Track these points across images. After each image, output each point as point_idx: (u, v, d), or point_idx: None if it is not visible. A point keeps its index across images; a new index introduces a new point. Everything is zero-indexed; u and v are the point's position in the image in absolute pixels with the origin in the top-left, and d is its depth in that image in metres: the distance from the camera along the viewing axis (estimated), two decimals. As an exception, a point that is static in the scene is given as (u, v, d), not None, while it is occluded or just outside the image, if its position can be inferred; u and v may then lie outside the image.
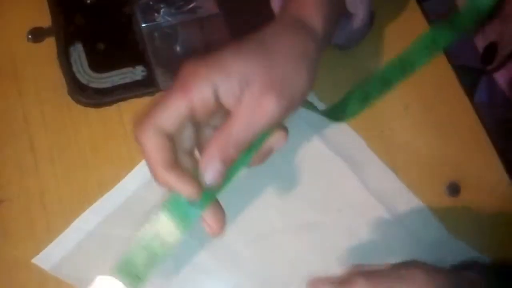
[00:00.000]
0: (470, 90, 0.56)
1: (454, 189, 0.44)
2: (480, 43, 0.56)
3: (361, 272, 0.34)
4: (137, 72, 0.45)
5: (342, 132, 0.45)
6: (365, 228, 0.41)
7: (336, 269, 0.36)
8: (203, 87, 0.30)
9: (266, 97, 0.31)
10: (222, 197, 0.33)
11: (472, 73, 0.57)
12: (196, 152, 0.33)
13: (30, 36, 0.46)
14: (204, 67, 0.30)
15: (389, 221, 0.42)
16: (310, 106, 0.41)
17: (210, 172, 0.31)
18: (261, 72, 0.31)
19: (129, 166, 0.42)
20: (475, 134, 0.46)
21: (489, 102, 0.56)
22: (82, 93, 0.44)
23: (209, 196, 0.32)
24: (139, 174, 0.42)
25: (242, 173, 0.32)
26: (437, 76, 0.48)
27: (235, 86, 0.30)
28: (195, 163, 0.32)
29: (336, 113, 0.42)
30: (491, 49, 0.54)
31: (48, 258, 0.39)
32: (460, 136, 0.46)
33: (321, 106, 0.44)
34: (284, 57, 0.32)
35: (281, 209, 0.42)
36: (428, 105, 0.47)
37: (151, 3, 0.47)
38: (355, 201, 0.42)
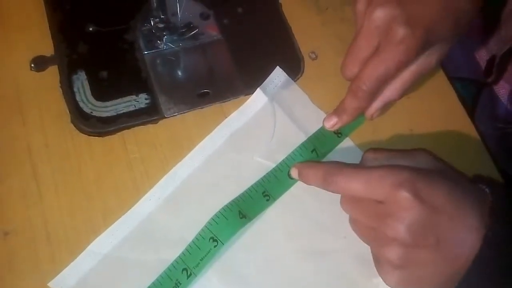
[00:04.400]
0: (472, 104, 0.56)
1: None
2: (484, 56, 0.56)
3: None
4: (141, 100, 0.45)
5: (351, 155, 0.45)
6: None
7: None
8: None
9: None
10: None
11: (473, 86, 0.57)
12: None
13: (33, 65, 0.46)
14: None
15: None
16: None
17: None
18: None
19: (134, 195, 0.42)
20: (478, 156, 0.46)
21: (491, 116, 0.56)
22: (85, 122, 0.44)
23: None
24: (154, 196, 0.42)
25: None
26: (441, 99, 0.48)
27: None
28: None
29: None
30: (493, 61, 0.54)
31: (64, 281, 0.39)
32: (464, 159, 0.46)
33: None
34: None
35: (289, 234, 0.42)
36: (432, 128, 0.47)
37: (153, 30, 0.48)
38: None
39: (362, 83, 0.38)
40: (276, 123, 0.45)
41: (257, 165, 0.43)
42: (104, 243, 0.40)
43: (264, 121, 0.45)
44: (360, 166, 0.38)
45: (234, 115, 0.45)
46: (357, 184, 0.35)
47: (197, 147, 0.44)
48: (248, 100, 0.46)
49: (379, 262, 0.36)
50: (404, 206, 0.33)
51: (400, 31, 0.36)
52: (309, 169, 0.40)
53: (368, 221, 0.36)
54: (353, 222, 0.38)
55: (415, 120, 0.47)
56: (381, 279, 0.36)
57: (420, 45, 0.37)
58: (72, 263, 0.39)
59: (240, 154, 0.44)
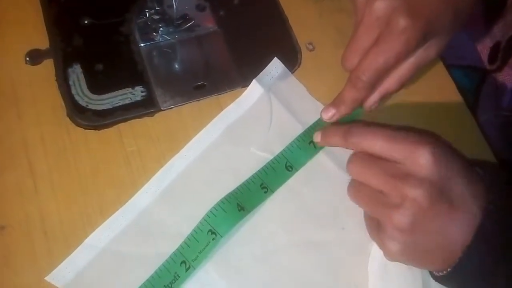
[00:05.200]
0: (475, 92, 0.56)
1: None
2: (487, 43, 0.56)
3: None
4: (137, 93, 0.45)
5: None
6: (369, 247, 0.41)
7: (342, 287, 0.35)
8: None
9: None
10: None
11: (476, 73, 0.57)
12: None
13: (28, 59, 0.46)
14: None
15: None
16: None
17: None
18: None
19: (130, 188, 0.41)
20: (478, 145, 0.46)
21: (495, 103, 0.56)
22: (81, 115, 0.43)
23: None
24: (150, 189, 0.42)
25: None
26: (440, 90, 0.48)
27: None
28: None
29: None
30: (497, 48, 0.54)
31: (61, 275, 0.38)
32: (463, 149, 0.45)
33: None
34: None
35: (287, 227, 0.42)
36: (431, 119, 0.47)
37: (149, 22, 0.47)
38: (359, 219, 0.41)
39: (362, 74, 0.38)
40: (273, 115, 0.45)
41: (254, 157, 0.43)
42: (101, 237, 0.40)
43: (261, 113, 0.45)
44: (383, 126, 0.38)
45: (230, 107, 0.45)
46: (380, 140, 0.36)
47: (193, 140, 0.44)
48: (245, 92, 0.46)
49: (382, 229, 0.35)
50: (426, 166, 0.34)
51: (401, 22, 0.36)
52: (331, 127, 0.40)
53: (380, 182, 0.35)
54: (358, 186, 0.37)
55: (414, 111, 0.47)
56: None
57: (420, 36, 0.37)
58: (69, 257, 0.39)
59: (237, 146, 0.44)
